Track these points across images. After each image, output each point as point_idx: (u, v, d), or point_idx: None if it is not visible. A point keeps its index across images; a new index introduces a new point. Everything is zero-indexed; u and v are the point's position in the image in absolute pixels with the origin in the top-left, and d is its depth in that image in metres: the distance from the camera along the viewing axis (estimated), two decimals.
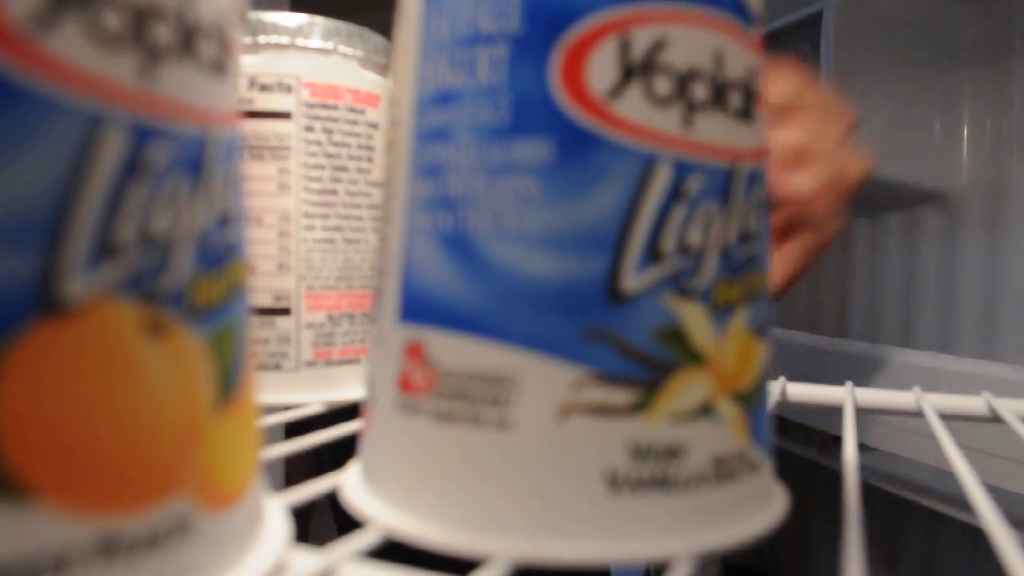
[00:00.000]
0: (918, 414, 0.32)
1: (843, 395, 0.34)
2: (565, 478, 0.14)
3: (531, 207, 0.15)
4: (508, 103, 0.15)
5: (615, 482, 0.14)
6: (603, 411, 0.14)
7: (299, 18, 0.29)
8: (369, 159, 0.31)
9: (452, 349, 0.15)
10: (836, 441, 0.85)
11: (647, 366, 0.15)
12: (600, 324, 0.14)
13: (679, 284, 0.15)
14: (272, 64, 0.29)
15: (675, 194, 0.15)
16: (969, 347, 0.84)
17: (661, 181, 0.15)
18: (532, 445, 0.15)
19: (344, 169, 0.30)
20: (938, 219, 0.90)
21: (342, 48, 0.30)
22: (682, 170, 0.15)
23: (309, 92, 0.29)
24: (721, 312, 0.15)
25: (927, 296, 0.90)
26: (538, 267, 0.15)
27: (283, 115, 0.29)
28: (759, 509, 0.16)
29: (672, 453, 0.15)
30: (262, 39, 0.29)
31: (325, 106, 0.29)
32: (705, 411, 0.15)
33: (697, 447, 0.15)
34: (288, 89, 0.29)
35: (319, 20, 0.30)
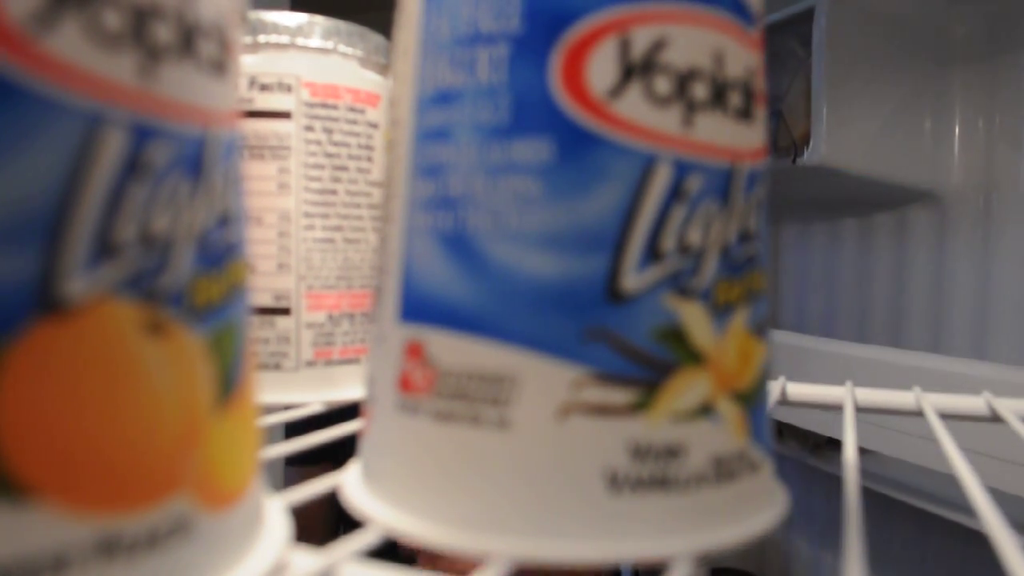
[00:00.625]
0: (918, 414, 0.32)
1: (843, 395, 0.34)
2: (565, 478, 0.14)
3: (531, 207, 0.15)
4: (508, 103, 0.15)
5: (615, 482, 0.14)
6: (603, 411, 0.14)
7: (299, 18, 0.29)
8: (369, 159, 0.31)
9: (452, 349, 0.15)
10: (831, 443, 0.85)
11: (647, 366, 0.15)
12: (600, 324, 0.14)
13: (679, 284, 0.15)
14: (272, 64, 0.29)
15: (675, 194, 0.15)
16: (960, 347, 0.84)
17: (661, 181, 0.15)
18: (532, 445, 0.15)
19: (344, 169, 0.30)
20: (928, 218, 0.89)
21: (342, 48, 0.30)
22: (682, 170, 0.15)
23: (309, 92, 0.29)
24: (721, 312, 0.15)
25: (917, 296, 0.90)
26: (538, 267, 0.15)
27: (283, 115, 0.29)
28: (759, 509, 0.16)
29: (672, 453, 0.15)
30: (262, 39, 0.29)
31: (325, 106, 0.29)
32: (705, 411, 0.15)
33: (697, 447, 0.15)
34: (288, 89, 0.29)
35: (319, 20, 0.30)
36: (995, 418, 0.32)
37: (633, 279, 0.15)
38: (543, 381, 0.14)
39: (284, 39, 0.29)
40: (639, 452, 0.15)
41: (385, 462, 0.17)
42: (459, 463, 0.15)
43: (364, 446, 0.18)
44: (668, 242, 0.15)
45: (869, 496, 0.72)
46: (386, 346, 0.17)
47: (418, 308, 0.16)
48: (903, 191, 0.87)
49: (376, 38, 0.31)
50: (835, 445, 0.85)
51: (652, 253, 0.15)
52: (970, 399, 0.33)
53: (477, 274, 0.15)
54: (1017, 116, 0.80)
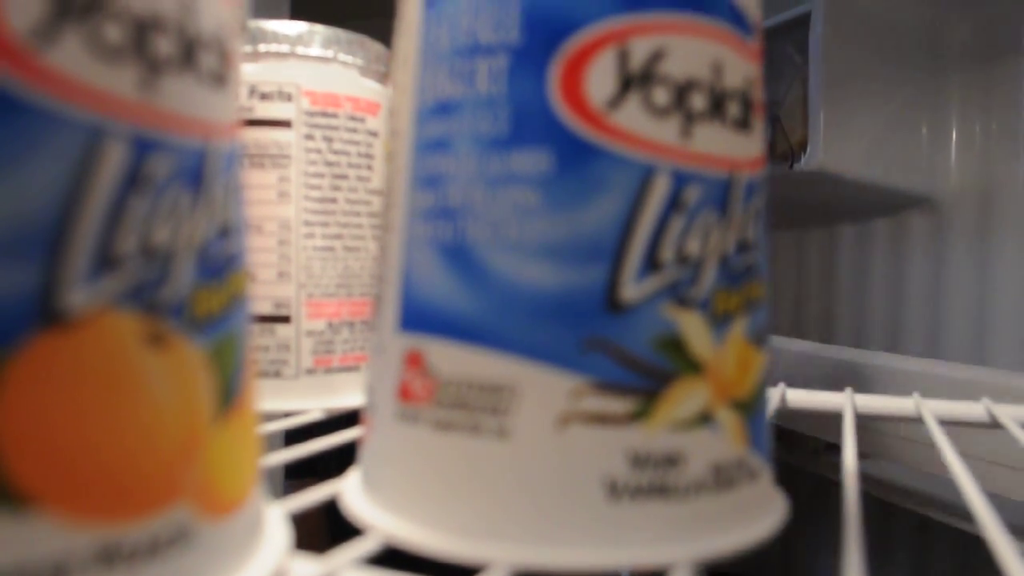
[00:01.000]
0: (917, 420, 0.32)
1: (842, 401, 0.34)
2: (565, 486, 0.14)
3: (530, 217, 0.15)
4: (507, 114, 0.15)
5: (614, 490, 0.15)
6: (602, 420, 0.15)
7: (299, 26, 0.29)
8: (369, 167, 0.31)
9: (452, 358, 0.15)
10: (830, 449, 0.85)
11: (646, 375, 0.15)
12: (599, 333, 0.14)
13: (678, 293, 0.15)
14: (272, 72, 0.29)
15: (674, 204, 0.15)
16: (958, 353, 0.84)
17: (660, 191, 0.15)
18: (532, 454, 0.15)
19: (344, 177, 0.30)
20: (926, 224, 0.89)
21: (342, 56, 0.30)
22: (681, 180, 0.15)
23: (309, 100, 0.29)
24: (720, 321, 0.15)
25: (915, 301, 0.90)
26: (537, 277, 0.15)
27: (283, 123, 0.29)
28: (758, 516, 0.16)
29: (671, 461, 0.15)
30: (262, 48, 0.29)
31: (325, 114, 0.30)
32: (704, 419, 0.15)
33: (696, 455, 0.15)
34: (288, 97, 0.29)
35: (319, 28, 0.30)
36: (995, 424, 0.32)
37: (632, 289, 0.15)
38: (542, 390, 0.15)
39: (284, 48, 0.29)
40: (638, 460, 0.15)
41: (385, 471, 0.17)
42: (459, 472, 0.15)
43: (364, 455, 0.18)
44: (667, 252, 0.15)
45: (867, 500, 0.72)
46: (386, 355, 0.17)
47: (418, 317, 0.16)
48: (901, 196, 0.87)
49: (376, 47, 0.32)
50: (834, 451, 0.85)
51: (651, 263, 0.15)
52: (969, 405, 0.33)
53: (477, 284, 0.15)
54: (1014, 121, 0.80)
